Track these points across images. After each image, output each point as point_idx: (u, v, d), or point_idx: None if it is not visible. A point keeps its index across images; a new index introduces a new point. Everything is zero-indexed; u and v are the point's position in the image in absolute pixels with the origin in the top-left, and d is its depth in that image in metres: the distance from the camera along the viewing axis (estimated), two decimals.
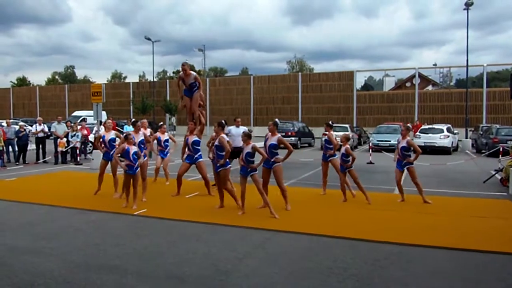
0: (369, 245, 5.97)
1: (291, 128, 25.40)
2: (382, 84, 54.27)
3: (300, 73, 45.66)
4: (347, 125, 25.88)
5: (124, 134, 8.42)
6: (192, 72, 9.73)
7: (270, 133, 8.14)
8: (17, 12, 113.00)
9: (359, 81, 43.04)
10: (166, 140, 11.24)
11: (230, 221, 7.19)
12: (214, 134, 8.39)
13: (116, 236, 6.41)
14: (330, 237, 6.31)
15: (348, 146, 8.94)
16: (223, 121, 8.35)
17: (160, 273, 4.93)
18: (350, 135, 9.13)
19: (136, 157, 8.13)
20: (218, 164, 7.97)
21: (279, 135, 8.12)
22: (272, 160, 7.98)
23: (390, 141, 22.62)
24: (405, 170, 8.86)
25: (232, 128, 10.97)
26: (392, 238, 6.22)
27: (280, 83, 41.99)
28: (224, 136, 8.06)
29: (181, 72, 9.75)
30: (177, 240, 6.18)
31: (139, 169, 8.29)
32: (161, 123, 11.86)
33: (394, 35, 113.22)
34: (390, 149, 21.68)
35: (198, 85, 9.76)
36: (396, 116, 36.48)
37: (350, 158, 8.86)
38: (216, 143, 7.95)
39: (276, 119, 8.51)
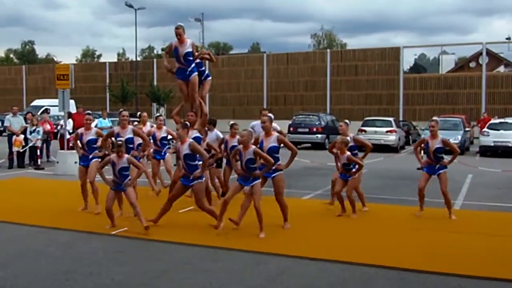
0: (420, 277, 5.94)
1: (317, 123, 25.36)
2: (437, 64, 53.95)
3: (328, 50, 45.53)
4: (390, 119, 25.75)
5: (117, 143, 8.14)
6: (188, 38, 9.69)
7: (263, 133, 8.17)
8: None
9: (408, 60, 43.06)
10: (164, 138, 11.33)
11: (237, 244, 7.21)
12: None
13: (89, 262, 6.45)
14: (369, 266, 6.29)
15: (349, 153, 9.21)
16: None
17: None
18: (349, 138, 9.45)
19: (124, 173, 8.04)
20: (192, 177, 7.90)
21: (276, 133, 8.20)
22: (274, 168, 7.95)
23: (448, 139, 22.44)
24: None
25: (257, 124, 10.72)
26: (449, 268, 6.18)
27: (303, 63, 41.96)
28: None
29: (174, 41, 9.70)
30: (168, 269, 6.21)
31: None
32: (158, 114, 11.85)
33: None
34: (448, 150, 21.51)
35: (194, 59, 9.59)
36: (456, 107, 36.20)
37: (352, 165, 9.20)
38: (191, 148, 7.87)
39: (269, 114, 8.53)
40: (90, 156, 9.44)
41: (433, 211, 9.30)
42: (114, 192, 8.10)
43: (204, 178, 8.17)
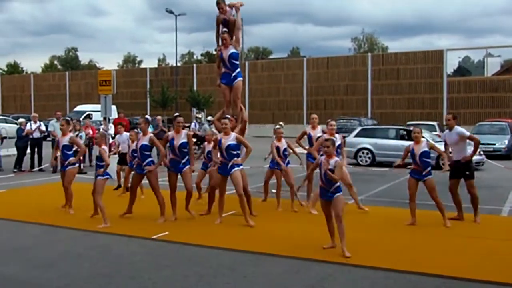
0: (467, 286, 5.81)
1: (358, 127, 25.14)
2: (483, 67, 52.75)
3: (369, 54, 45.18)
4: (434, 123, 25.39)
5: None
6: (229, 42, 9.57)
7: (141, 133, 9.19)
8: None
9: (451, 63, 42.10)
10: (184, 144, 11.09)
11: (278, 250, 7.19)
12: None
13: (130, 265, 6.55)
14: (413, 274, 6.17)
15: (105, 147, 9.40)
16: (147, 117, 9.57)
17: None
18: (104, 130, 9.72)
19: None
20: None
21: (150, 134, 9.23)
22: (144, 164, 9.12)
23: (494, 144, 21.93)
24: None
25: (446, 133, 9.73)
26: (497, 276, 6.03)
27: (343, 67, 41.75)
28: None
29: (218, 48, 9.76)
30: (208, 273, 6.22)
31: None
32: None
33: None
34: (494, 155, 21.00)
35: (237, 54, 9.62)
36: (502, 110, 35.48)
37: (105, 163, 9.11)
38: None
39: (147, 116, 9.46)
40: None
41: (482, 218, 9.03)
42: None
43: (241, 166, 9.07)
